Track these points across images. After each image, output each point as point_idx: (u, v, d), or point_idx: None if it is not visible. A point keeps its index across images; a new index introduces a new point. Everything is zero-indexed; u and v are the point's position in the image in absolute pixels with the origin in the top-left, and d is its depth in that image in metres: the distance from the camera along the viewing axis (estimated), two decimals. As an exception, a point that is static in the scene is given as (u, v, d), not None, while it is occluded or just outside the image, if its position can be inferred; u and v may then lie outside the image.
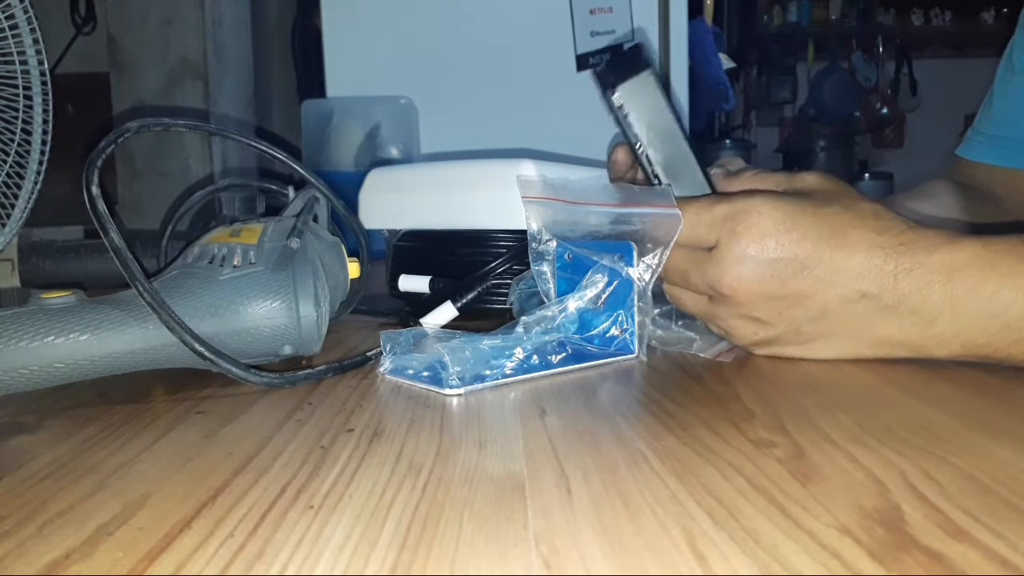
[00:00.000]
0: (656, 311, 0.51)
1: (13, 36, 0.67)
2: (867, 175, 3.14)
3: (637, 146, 0.50)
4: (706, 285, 0.45)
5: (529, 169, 0.57)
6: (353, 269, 0.56)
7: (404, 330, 0.48)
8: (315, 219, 0.55)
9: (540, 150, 1.02)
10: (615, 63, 0.49)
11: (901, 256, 0.41)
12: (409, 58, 1.52)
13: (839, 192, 0.44)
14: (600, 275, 0.48)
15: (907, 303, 0.41)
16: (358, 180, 0.70)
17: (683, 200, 0.45)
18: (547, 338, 0.47)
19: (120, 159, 1.71)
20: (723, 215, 0.43)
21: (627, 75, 0.48)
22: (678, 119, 0.50)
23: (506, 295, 0.56)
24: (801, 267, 0.42)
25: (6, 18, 0.66)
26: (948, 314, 0.40)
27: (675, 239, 0.45)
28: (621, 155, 0.55)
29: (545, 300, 0.51)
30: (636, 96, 0.49)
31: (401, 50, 1.52)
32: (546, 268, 0.51)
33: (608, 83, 0.49)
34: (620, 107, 0.49)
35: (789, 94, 3.44)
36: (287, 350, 0.47)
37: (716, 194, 0.47)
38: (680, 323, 0.52)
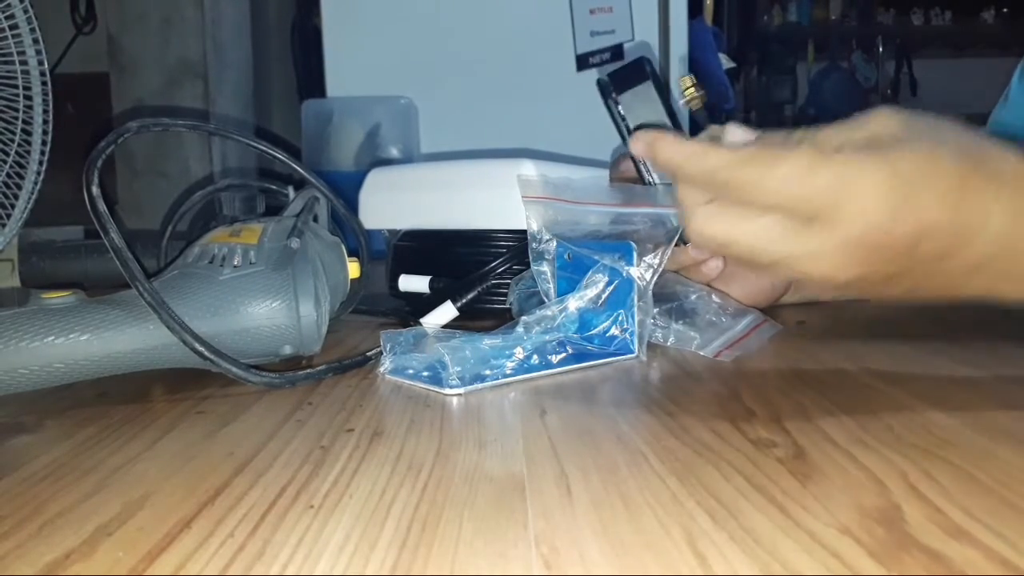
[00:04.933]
0: (656, 310, 0.51)
1: (13, 36, 0.67)
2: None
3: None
4: (792, 247, 0.37)
5: (529, 169, 0.57)
6: (353, 269, 0.56)
7: (404, 330, 0.48)
8: (315, 219, 0.55)
9: (540, 150, 1.02)
10: (618, 74, 0.51)
11: None
12: (409, 58, 1.51)
13: (940, 134, 0.36)
14: (600, 275, 0.48)
15: None
16: (358, 180, 0.70)
17: (768, 152, 0.35)
18: (547, 338, 0.47)
19: (120, 159, 1.71)
20: (824, 188, 0.34)
21: (629, 85, 0.50)
22: (679, 128, 0.51)
23: (506, 295, 0.56)
24: (912, 249, 0.35)
25: (6, 18, 0.66)
26: None
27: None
28: (626, 166, 0.56)
29: (545, 300, 0.51)
30: (636, 105, 0.50)
31: (401, 50, 1.52)
32: (546, 268, 0.51)
33: (609, 92, 0.50)
34: (621, 115, 0.50)
35: (789, 94, 3.43)
36: (287, 350, 0.47)
37: (813, 155, 0.35)
38: (680, 322, 0.52)
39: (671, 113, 0.51)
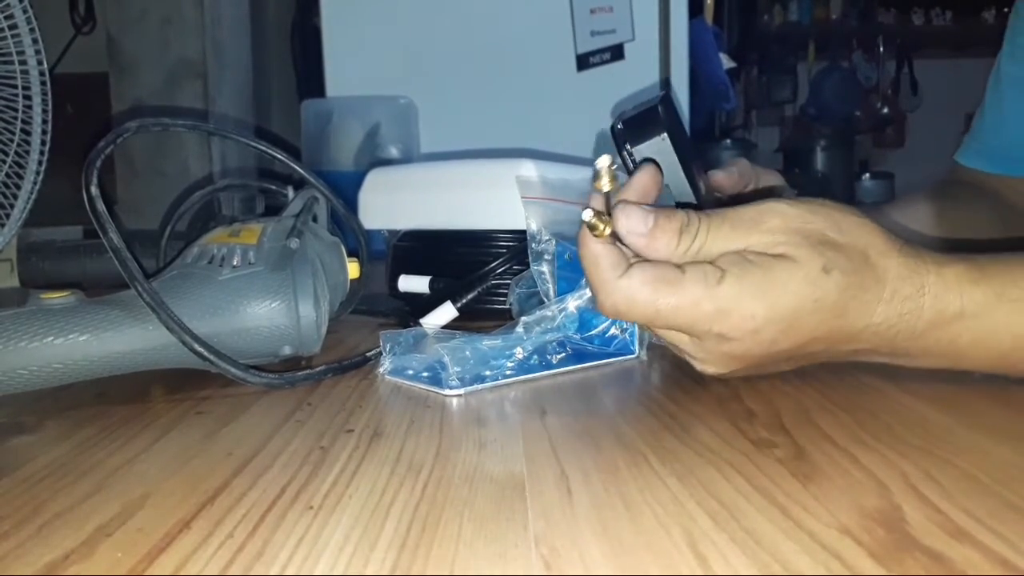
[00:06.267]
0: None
1: (12, 36, 0.67)
2: (867, 175, 3.14)
3: None
4: (687, 351, 0.40)
5: (529, 169, 0.57)
6: (353, 269, 0.56)
7: (404, 330, 0.48)
8: (315, 219, 0.55)
9: (540, 150, 1.02)
10: (632, 121, 0.46)
11: (904, 324, 0.38)
12: (409, 58, 1.51)
13: (830, 247, 0.37)
14: (600, 275, 0.48)
15: (902, 354, 0.40)
16: (358, 180, 0.70)
17: (660, 279, 0.37)
18: (547, 338, 0.47)
19: (119, 159, 1.71)
20: (708, 318, 0.37)
21: (643, 137, 0.46)
22: (692, 180, 0.47)
23: (506, 295, 0.56)
24: (797, 351, 0.39)
25: (5, 18, 0.66)
26: (944, 359, 0.39)
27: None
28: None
29: (545, 300, 0.51)
30: (650, 158, 0.45)
31: (401, 50, 1.51)
32: (546, 268, 0.51)
33: (622, 143, 0.47)
34: (634, 167, 0.46)
35: (789, 94, 3.43)
36: (286, 350, 0.47)
37: (699, 291, 0.37)
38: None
39: (687, 167, 0.46)
